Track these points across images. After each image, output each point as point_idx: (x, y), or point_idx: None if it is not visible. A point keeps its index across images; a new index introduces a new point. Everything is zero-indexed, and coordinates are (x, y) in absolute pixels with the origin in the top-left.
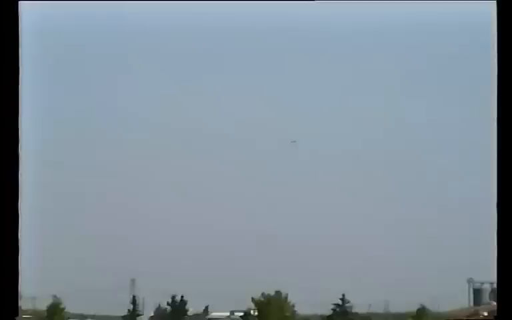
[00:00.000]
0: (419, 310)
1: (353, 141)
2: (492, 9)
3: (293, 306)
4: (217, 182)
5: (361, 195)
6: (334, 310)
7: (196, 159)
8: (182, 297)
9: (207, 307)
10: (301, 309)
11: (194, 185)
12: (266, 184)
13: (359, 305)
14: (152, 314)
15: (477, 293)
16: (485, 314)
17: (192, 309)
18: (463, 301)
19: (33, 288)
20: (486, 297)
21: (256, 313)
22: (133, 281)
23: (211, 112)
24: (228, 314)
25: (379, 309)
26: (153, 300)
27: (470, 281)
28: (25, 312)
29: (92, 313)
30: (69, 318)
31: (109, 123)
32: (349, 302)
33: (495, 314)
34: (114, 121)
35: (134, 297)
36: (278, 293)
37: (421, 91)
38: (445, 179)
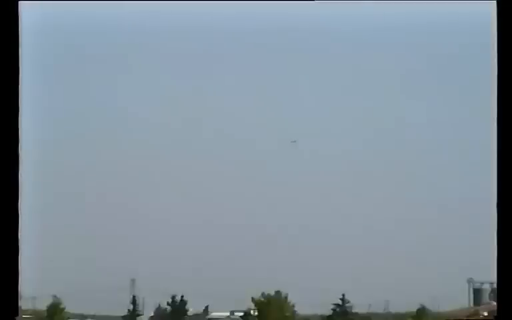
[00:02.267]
0: (418, 310)
1: (353, 141)
2: (492, 9)
3: (293, 306)
4: (217, 182)
5: (361, 195)
6: (334, 310)
7: (196, 158)
8: (182, 296)
9: (206, 307)
10: (301, 309)
11: (194, 184)
12: (266, 184)
13: (358, 305)
14: (152, 314)
15: (477, 292)
16: (485, 314)
17: (192, 309)
18: (463, 300)
19: (33, 288)
20: (486, 297)
21: (256, 313)
22: (133, 281)
23: (211, 112)
24: (228, 314)
25: (379, 309)
26: (153, 300)
27: (470, 281)
28: (25, 312)
29: (92, 313)
30: (68, 318)
31: (108, 123)
32: (349, 302)
33: (495, 314)
34: (114, 121)
35: (134, 296)
36: (278, 293)
37: (421, 90)
38: (445, 178)
